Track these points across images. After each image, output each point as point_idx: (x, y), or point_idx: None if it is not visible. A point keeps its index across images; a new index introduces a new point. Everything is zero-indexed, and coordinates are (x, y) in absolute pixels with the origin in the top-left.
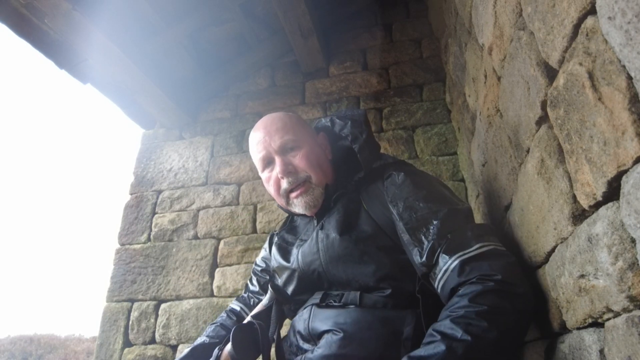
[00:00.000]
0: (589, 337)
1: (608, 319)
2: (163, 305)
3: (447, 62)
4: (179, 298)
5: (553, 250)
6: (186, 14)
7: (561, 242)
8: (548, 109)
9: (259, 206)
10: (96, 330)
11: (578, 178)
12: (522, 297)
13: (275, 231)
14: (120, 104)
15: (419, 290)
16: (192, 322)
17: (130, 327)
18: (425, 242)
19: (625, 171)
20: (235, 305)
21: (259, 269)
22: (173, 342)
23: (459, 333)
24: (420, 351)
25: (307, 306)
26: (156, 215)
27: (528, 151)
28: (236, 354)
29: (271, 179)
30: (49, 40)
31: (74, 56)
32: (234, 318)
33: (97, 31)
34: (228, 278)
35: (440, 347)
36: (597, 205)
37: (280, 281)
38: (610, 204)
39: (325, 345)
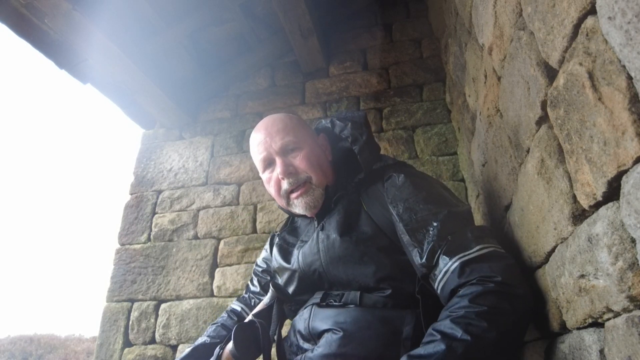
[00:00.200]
0: (589, 337)
1: (608, 319)
2: (163, 305)
3: (447, 62)
4: (179, 298)
5: (553, 250)
6: (186, 14)
7: (561, 242)
8: (548, 109)
9: (259, 206)
10: (96, 330)
11: (578, 178)
12: (522, 299)
13: (276, 231)
14: (120, 104)
15: (418, 291)
16: (192, 322)
17: (130, 327)
18: (425, 244)
19: (625, 171)
20: (236, 305)
21: (260, 269)
22: (173, 342)
23: (458, 333)
24: (420, 350)
25: (308, 306)
26: (156, 215)
27: (528, 151)
28: (238, 352)
29: (272, 180)
30: (49, 40)
31: (74, 56)
32: (235, 318)
33: (97, 31)
34: (228, 278)
35: (440, 346)
36: (597, 205)
37: (281, 281)
38: (610, 204)
39: (325, 344)
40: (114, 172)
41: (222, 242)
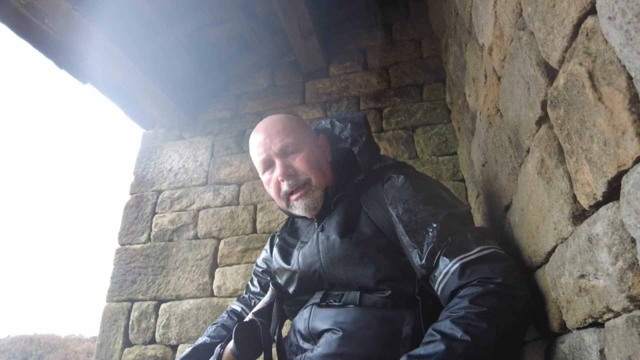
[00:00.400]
0: (589, 337)
1: (608, 319)
2: (163, 305)
3: (447, 62)
4: (179, 298)
5: (553, 250)
6: (186, 14)
7: (561, 242)
8: (548, 109)
9: (259, 206)
10: (96, 330)
11: (578, 178)
12: (522, 300)
13: (276, 232)
14: (120, 104)
15: (418, 292)
16: (192, 322)
17: (130, 327)
18: (425, 245)
19: (626, 171)
20: (236, 305)
21: (260, 270)
22: (173, 342)
23: (458, 333)
24: (420, 350)
25: (308, 306)
26: (156, 215)
27: (528, 151)
28: (238, 351)
29: (271, 182)
30: (49, 40)
31: (74, 56)
32: (235, 318)
33: (97, 31)
34: (228, 278)
35: (440, 346)
36: (597, 205)
37: (281, 282)
38: (610, 204)
39: (324, 344)
40: (114, 172)
41: (222, 242)
